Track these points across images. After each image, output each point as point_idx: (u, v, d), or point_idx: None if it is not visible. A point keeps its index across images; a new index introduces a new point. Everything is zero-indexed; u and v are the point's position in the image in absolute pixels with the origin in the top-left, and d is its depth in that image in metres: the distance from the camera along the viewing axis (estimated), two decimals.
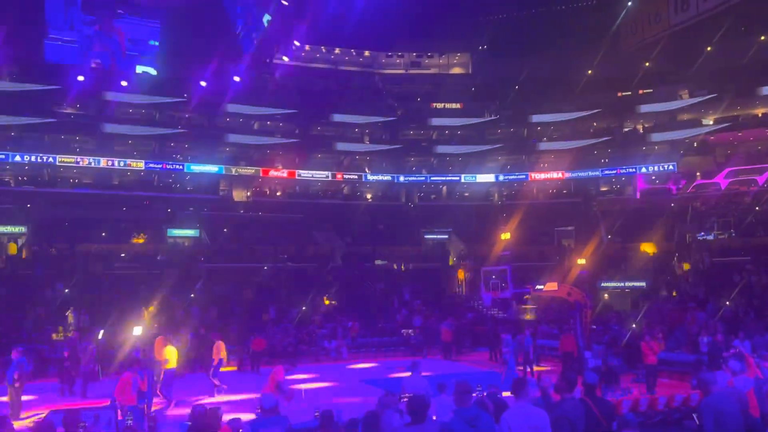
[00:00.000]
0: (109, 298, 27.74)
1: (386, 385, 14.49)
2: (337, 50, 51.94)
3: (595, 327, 22.36)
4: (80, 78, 39.44)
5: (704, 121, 44.77)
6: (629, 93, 46.91)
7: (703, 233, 34.93)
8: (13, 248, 33.37)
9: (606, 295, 31.40)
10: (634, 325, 23.40)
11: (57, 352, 19.89)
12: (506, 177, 49.54)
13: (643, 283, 31.06)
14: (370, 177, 49.40)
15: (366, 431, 6.43)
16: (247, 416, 8.12)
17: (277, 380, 11.21)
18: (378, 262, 38.79)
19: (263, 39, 43.30)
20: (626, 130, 48.51)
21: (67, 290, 28.22)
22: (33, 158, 39.55)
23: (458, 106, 51.10)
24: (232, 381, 19.22)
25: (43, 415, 10.90)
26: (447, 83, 52.63)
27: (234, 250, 36.93)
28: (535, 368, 19.34)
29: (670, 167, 44.01)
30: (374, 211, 46.17)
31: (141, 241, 36.98)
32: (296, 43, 46.74)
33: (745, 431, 6.41)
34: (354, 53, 52.82)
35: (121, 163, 41.99)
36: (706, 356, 17.66)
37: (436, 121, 50.64)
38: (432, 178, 50.25)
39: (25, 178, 40.47)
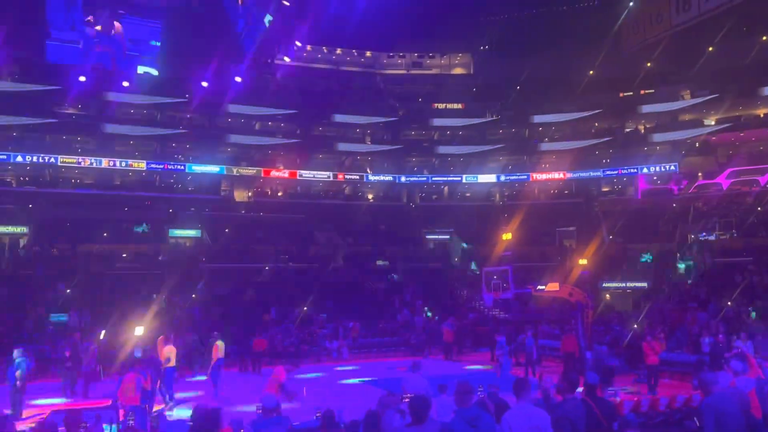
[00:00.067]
0: (111, 298, 27.76)
1: (387, 385, 14.47)
2: (338, 50, 51.97)
3: (596, 327, 22.34)
4: (81, 78, 39.48)
5: (706, 122, 44.72)
6: (631, 93, 46.87)
7: (704, 234, 34.88)
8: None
9: (607, 296, 31.38)
10: (635, 326, 23.40)
11: (58, 352, 19.92)
12: (508, 177, 49.53)
13: (644, 284, 31.04)
14: (371, 177, 49.42)
15: (367, 431, 6.43)
16: (248, 416, 8.12)
17: (278, 380, 11.22)
18: (379, 262, 38.81)
19: (264, 39, 43.30)
20: (628, 130, 48.48)
21: (68, 290, 28.27)
22: (34, 158, 39.60)
23: (460, 106, 51.10)
24: (234, 381, 19.26)
25: (45, 415, 10.92)
26: (448, 83, 52.63)
27: (235, 251, 36.95)
28: (537, 368, 19.30)
29: (672, 167, 43.97)
30: (376, 211, 46.18)
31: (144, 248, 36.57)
32: (297, 43, 46.73)
33: None
34: (355, 53, 52.84)
35: (123, 164, 42.04)
36: (708, 357, 17.66)
37: (437, 122, 50.66)
38: (433, 179, 50.25)
39: (26, 179, 40.53)
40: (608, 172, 47.19)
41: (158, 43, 43.71)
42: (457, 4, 49.22)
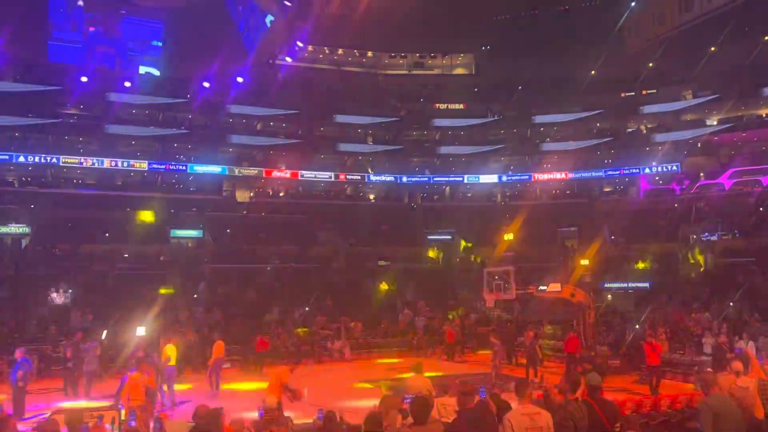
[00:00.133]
0: (113, 298, 27.78)
1: (389, 385, 14.49)
2: (340, 51, 51.96)
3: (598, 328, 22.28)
4: (83, 79, 39.57)
5: (708, 122, 44.69)
6: (633, 93, 46.86)
7: (707, 234, 34.82)
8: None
9: (609, 296, 31.34)
10: (637, 326, 23.36)
11: (60, 352, 19.93)
12: (509, 178, 49.51)
13: (646, 284, 30.99)
14: (373, 177, 49.41)
15: None
16: (250, 416, 8.12)
17: (280, 381, 11.21)
18: (381, 262, 38.79)
19: (266, 39, 43.31)
20: (630, 130, 48.45)
21: (70, 290, 28.30)
22: (36, 159, 39.69)
23: (461, 106, 51.08)
24: (236, 382, 19.27)
25: (47, 415, 10.92)
26: (450, 84, 52.62)
27: (237, 251, 36.97)
28: (539, 369, 19.27)
29: (674, 168, 43.94)
30: (377, 211, 46.14)
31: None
32: (299, 43, 46.68)
33: None
34: (357, 54, 52.82)
35: (125, 164, 42.08)
36: (710, 357, 17.65)
37: (439, 122, 50.65)
38: (435, 179, 50.24)
39: (28, 179, 40.57)
40: (610, 173, 47.17)
41: (160, 44, 43.80)
42: (458, 4, 49.15)
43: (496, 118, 50.28)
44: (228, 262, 35.31)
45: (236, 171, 45.21)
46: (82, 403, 15.13)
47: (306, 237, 40.41)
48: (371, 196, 50.10)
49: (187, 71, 42.46)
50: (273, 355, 22.22)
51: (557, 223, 41.86)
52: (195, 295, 29.80)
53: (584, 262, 32.66)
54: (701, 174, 42.49)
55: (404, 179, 49.71)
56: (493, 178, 49.46)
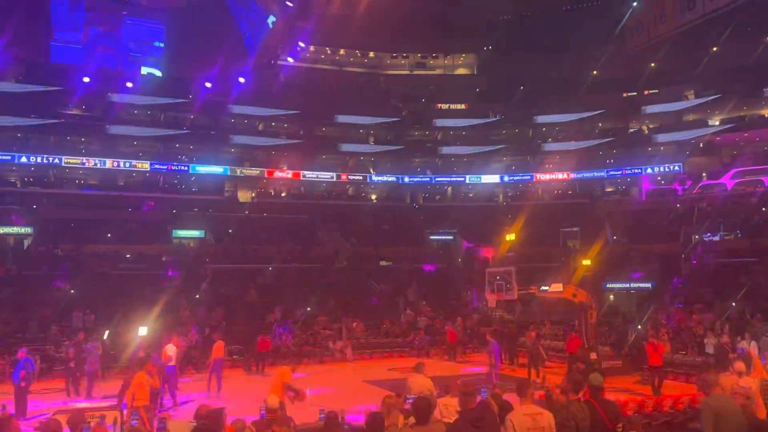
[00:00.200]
0: (115, 298, 27.79)
1: (391, 386, 14.46)
2: (341, 51, 52.00)
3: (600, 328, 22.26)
4: (86, 79, 39.63)
5: (710, 122, 44.62)
6: (635, 93, 46.81)
7: (709, 234, 34.77)
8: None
9: (611, 296, 31.31)
10: (639, 327, 23.34)
11: (62, 352, 19.96)
12: (511, 178, 49.50)
13: (648, 284, 30.95)
14: (374, 178, 49.43)
15: None
16: (251, 417, 8.12)
17: (282, 381, 11.21)
18: (383, 262, 38.80)
19: (268, 40, 43.39)
20: (632, 130, 48.42)
21: (72, 290, 28.33)
22: (39, 159, 39.78)
23: (463, 106, 51.09)
24: (238, 381, 19.28)
25: (49, 415, 10.93)
26: (452, 84, 52.65)
27: (239, 251, 36.99)
28: (541, 369, 19.26)
29: (676, 168, 43.89)
30: (379, 211, 46.19)
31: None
32: (301, 44, 46.80)
33: None
34: (359, 54, 52.85)
35: (127, 164, 42.14)
36: (713, 357, 17.61)
37: (440, 122, 50.65)
38: (437, 179, 50.24)
39: (31, 179, 40.65)
40: (612, 173, 47.13)
41: (162, 45, 43.84)
42: (460, 5, 49.22)
43: (497, 118, 50.27)
44: (230, 262, 35.33)
45: (238, 171, 45.25)
46: (84, 403, 15.15)
47: (308, 237, 40.42)
48: (373, 197, 50.12)
49: (189, 72, 42.54)
50: (275, 355, 22.24)
51: (559, 223, 41.79)
52: (197, 295, 29.82)
53: (586, 262, 32.68)
54: (703, 174, 42.42)
55: (406, 179, 49.72)
56: (494, 179, 49.45)
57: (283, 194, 47.32)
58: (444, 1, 42.73)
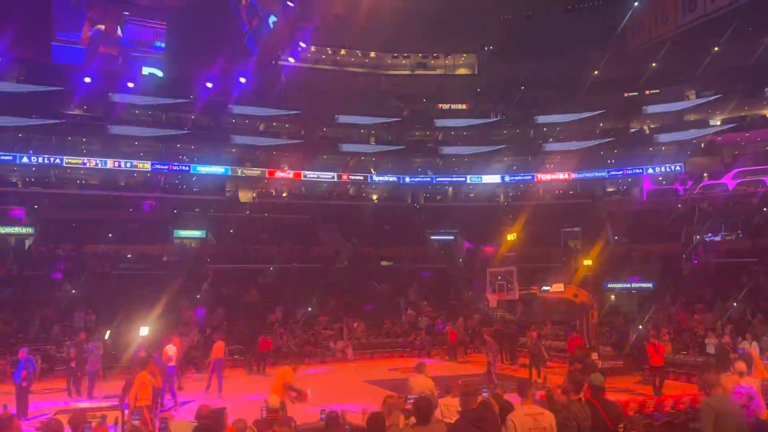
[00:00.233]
0: (116, 298, 27.82)
1: (391, 386, 14.46)
2: (342, 51, 51.93)
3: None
4: (87, 79, 39.65)
5: (711, 122, 44.58)
6: (636, 93, 46.76)
7: (710, 234, 34.74)
8: None
9: (612, 297, 31.29)
10: (640, 327, 23.33)
11: (64, 352, 19.98)
12: (512, 178, 49.49)
13: (649, 285, 30.94)
14: (375, 178, 49.44)
15: None
16: (252, 417, 8.12)
17: (284, 381, 11.20)
18: (384, 263, 38.81)
19: (269, 40, 43.36)
20: (633, 130, 48.38)
21: (74, 291, 28.36)
22: (40, 159, 39.81)
23: (464, 106, 51.10)
24: (239, 381, 19.30)
25: (50, 415, 10.95)
26: (453, 84, 52.57)
27: (240, 251, 37.02)
28: (542, 369, 19.25)
29: (677, 168, 43.86)
30: (380, 212, 46.20)
31: None
32: (302, 44, 46.76)
33: None
34: (360, 54, 52.77)
35: (128, 165, 42.16)
36: (714, 358, 17.61)
37: (441, 122, 50.64)
38: (438, 179, 50.24)
39: (32, 180, 40.68)
40: (613, 173, 47.11)
41: (163, 45, 43.81)
42: (461, 5, 49.19)
43: (498, 118, 50.26)
44: (231, 262, 35.36)
45: (239, 171, 45.28)
46: (85, 403, 15.17)
47: (309, 237, 40.44)
48: (374, 197, 50.13)
49: (190, 72, 42.50)
50: (276, 356, 22.25)
51: (560, 223, 41.78)
52: (198, 296, 29.84)
53: (587, 262, 32.64)
54: (704, 174, 42.39)
55: (407, 179, 49.72)
56: (495, 179, 49.44)
57: (284, 194, 47.33)
58: (445, 1, 42.67)
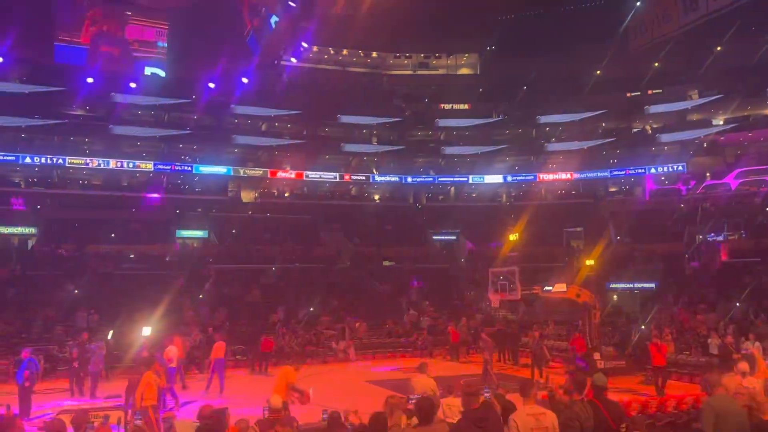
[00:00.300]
0: (118, 298, 27.85)
1: (394, 386, 14.46)
2: (344, 51, 51.96)
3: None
4: (89, 80, 39.70)
5: (714, 122, 44.51)
6: (638, 93, 46.71)
7: (713, 234, 34.69)
8: None
9: (615, 296, 31.27)
10: (643, 327, 23.30)
11: (66, 352, 20.01)
12: (514, 178, 49.45)
13: (652, 285, 30.90)
14: (377, 178, 49.43)
15: None
16: (255, 417, 8.12)
17: (287, 381, 11.20)
18: (386, 263, 38.80)
19: (271, 40, 43.35)
20: (635, 130, 48.32)
21: (76, 291, 28.40)
22: (43, 160, 39.87)
23: (466, 106, 51.05)
24: (241, 382, 19.30)
25: (53, 415, 10.96)
26: (455, 84, 52.58)
27: (242, 251, 37.04)
28: (544, 369, 19.22)
29: (680, 168, 43.80)
30: (382, 212, 46.21)
31: None
32: (304, 44, 46.75)
33: None
34: (362, 54, 52.80)
35: (130, 165, 42.21)
36: (716, 358, 17.59)
37: (443, 122, 50.64)
38: (440, 179, 50.22)
39: (35, 180, 40.74)
40: (616, 173, 47.05)
41: (165, 45, 43.86)
42: (463, 5, 49.18)
43: (500, 118, 50.24)
44: (233, 262, 35.39)
45: (241, 171, 45.31)
46: (87, 403, 15.18)
47: (311, 237, 40.45)
48: (376, 197, 50.13)
49: (193, 72, 42.55)
50: (278, 356, 22.26)
51: (562, 223, 41.76)
52: (201, 296, 29.87)
53: (590, 262, 32.62)
54: (707, 174, 42.31)
55: (409, 179, 49.71)
56: (498, 179, 49.41)
57: (286, 194, 47.36)
58: (447, 1, 42.67)
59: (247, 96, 43.93)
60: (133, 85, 41.64)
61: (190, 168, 43.87)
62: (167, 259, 35.42)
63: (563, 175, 48.17)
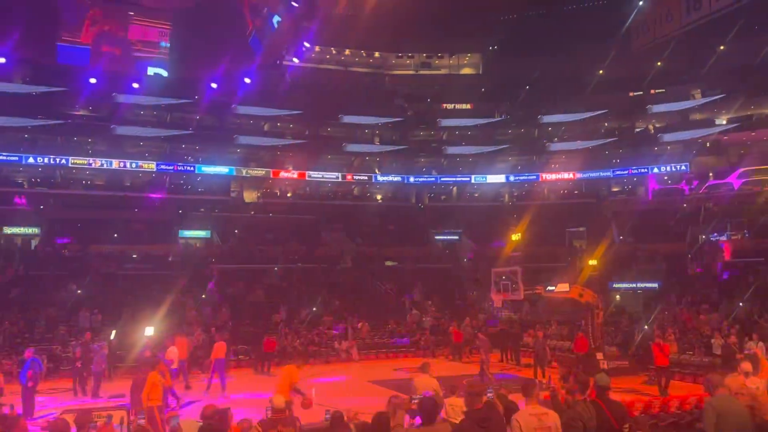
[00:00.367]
0: (121, 298, 27.93)
1: (396, 386, 14.47)
2: (347, 51, 51.93)
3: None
4: (92, 80, 39.75)
5: (717, 121, 44.39)
6: (641, 93, 46.59)
7: (716, 234, 34.63)
8: None
9: (618, 296, 31.24)
10: (646, 327, 23.27)
11: (69, 352, 20.06)
12: (517, 177, 49.40)
13: (655, 284, 30.87)
14: (380, 178, 49.43)
15: None
16: (257, 417, 8.13)
17: (290, 380, 11.20)
18: (388, 263, 38.80)
19: (273, 40, 43.35)
20: (638, 130, 48.22)
21: (79, 291, 28.46)
22: (46, 160, 39.94)
23: (468, 106, 51.00)
24: (244, 381, 19.32)
25: (56, 414, 10.98)
26: (457, 84, 52.51)
27: (244, 251, 37.08)
28: (547, 369, 19.22)
29: (683, 167, 43.71)
30: (384, 211, 46.20)
31: None
32: (306, 44, 46.68)
33: None
34: (364, 54, 52.77)
35: (133, 165, 42.25)
36: (720, 358, 17.56)
37: (446, 122, 50.58)
38: (442, 179, 50.20)
39: (38, 180, 40.83)
40: (618, 172, 46.96)
41: (167, 45, 43.89)
42: (465, 4, 49.14)
43: (503, 117, 50.19)
44: (235, 262, 35.43)
45: (244, 172, 45.34)
46: (90, 403, 15.20)
47: (313, 237, 40.48)
48: (378, 197, 50.12)
49: (195, 72, 42.53)
50: (280, 356, 22.27)
51: (565, 223, 41.72)
52: (203, 296, 29.91)
53: (592, 262, 32.60)
54: (710, 174, 42.22)
55: (411, 179, 49.70)
56: (500, 178, 49.36)
57: (288, 194, 47.38)
58: (449, 1, 42.63)
59: (249, 96, 43.91)
60: (135, 85, 41.67)
61: (192, 168, 43.92)
62: (170, 259, 35.48)
63: (566, 175, 48.11)
